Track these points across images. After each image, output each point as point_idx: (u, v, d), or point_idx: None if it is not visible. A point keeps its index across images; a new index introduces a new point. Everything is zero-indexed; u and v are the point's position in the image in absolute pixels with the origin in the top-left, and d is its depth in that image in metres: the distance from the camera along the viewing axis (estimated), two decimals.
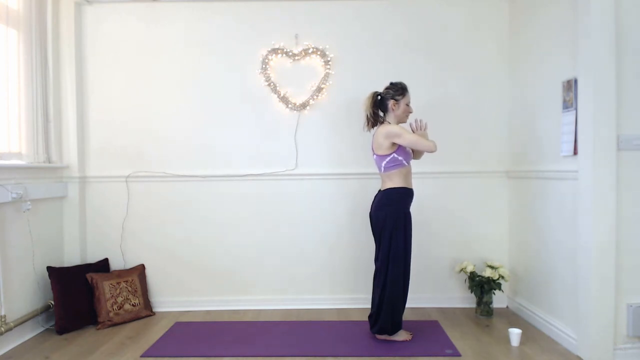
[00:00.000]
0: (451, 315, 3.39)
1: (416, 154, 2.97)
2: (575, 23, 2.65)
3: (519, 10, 3.42)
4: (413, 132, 2.90)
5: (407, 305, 2.90)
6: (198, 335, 3.04)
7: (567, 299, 2.81)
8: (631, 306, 2.55)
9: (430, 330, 3.06)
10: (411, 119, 2.98)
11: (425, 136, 2.88)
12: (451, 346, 2.80)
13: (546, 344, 2.84)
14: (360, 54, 3.56)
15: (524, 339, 2.87)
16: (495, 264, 3.37)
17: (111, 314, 3.24)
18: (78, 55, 3.51)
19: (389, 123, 2.85)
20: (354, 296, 3.59)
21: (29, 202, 2.99)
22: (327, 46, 3.55)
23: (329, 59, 3.54)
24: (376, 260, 2.90)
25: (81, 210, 3.53)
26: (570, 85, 2.72)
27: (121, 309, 3.30)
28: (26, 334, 3.03)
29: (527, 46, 3.28)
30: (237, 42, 3.57)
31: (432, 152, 2.76)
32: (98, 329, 3.16)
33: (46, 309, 3.20)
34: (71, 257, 3.49)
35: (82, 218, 3.55)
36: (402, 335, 2.88)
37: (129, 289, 3.38)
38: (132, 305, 3.36)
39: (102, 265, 3.48)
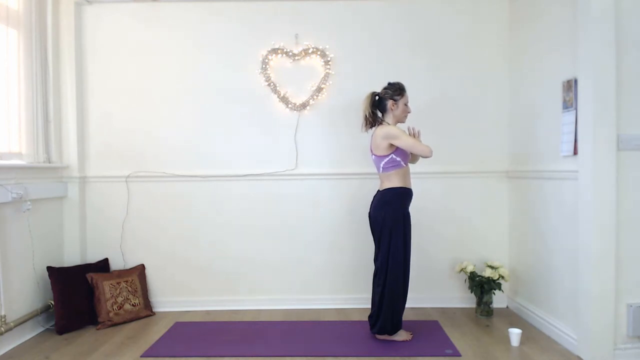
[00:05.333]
0: (451, 315, 3.39)
1: (412, 157, 2.97)
2: (575, 23, 2.65)
3: (519, 10, 3.42)
4: None
5: (407, 305, 2.90)
6: (198, 335, 3.04)
7: (567, 299, 2.81)
8: (631, 306, 2.55)
9: (430, 330, 3.06)
10: (409, 121, 2.98)
11: None
12: (451, 346, 2.80)
13: (546, 344, 2.84)
14: (360, 54, 3.56)
15: (524, 339, 2.87)
16: (495, 264, 3.37)
17: (111, 314, 3.24)
18: (78, 55, 3.51)
19: (388, 124, 2.85)
20: (353, 296, 3.59)
21: (29, 202, 2.99)
22: (327, 46, 3.55)
23: (329, 59, 3.54)
24: (375, 260, 2.90)
25: (81, 210, 3.53)
26: (570, 85, 2.72)
27: (121, 309, 3.30)
28: (26, 334, 3.03)
29: (527, 46, 3.28)
30: (237, 42, 3.57)
31: (427, 157, 2.76)
32: (98, 329, 3.16)
33: (46, 309, 3.20)
34: (71, 257, 3.49)
35: (82, 218, 3.55)
36: (402, 335, 2.88)
37: (129, 289, 3.38)
38: (132, 305, 3.36)
39: (102, 265, 3.48)
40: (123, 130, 3.58)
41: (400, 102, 2.85)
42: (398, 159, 2.79)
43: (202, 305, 3.59)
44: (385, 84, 2.91)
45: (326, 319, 3.35)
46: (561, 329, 2.85)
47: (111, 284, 3.31)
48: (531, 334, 3.00)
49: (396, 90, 2.85)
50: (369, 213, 2.93)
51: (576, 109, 2.67)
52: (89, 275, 3.29)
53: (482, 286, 3.31)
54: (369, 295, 2.99)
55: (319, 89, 3.55)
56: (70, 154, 3.50)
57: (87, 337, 3.04)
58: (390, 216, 2.76)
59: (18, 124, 3.10)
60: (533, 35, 3.20)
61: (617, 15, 2.50)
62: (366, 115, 2.86)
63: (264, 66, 3.55)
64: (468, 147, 3.57)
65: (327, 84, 3.55)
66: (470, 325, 3.18)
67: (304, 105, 3.56)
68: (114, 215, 3.58)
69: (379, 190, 2.90)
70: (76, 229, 3.50)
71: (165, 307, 3.57)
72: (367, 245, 3.37)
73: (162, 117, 3.58)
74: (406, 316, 3.02)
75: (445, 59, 3.56)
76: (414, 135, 2.90)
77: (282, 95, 3.56)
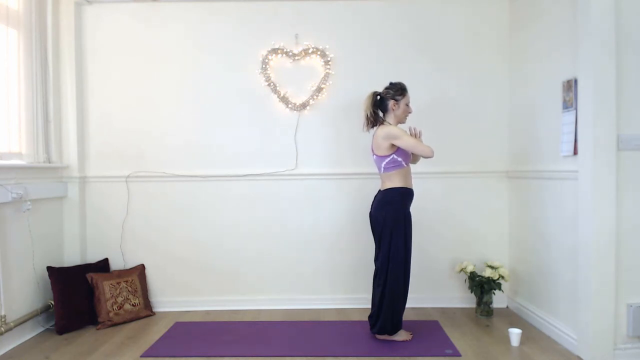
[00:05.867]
0: (451, 315, 3.39)
1: (413, 158, 2.97)
2: (575, 23, 2.65)
3: (519, 10, 3.42)
4: None
5: (407, 305, 2.90)
6: (198, 335, 3.04)
7: (567, 299, 2.81)
8: (631, 306, 2.56)
9: (430, 330, 3.06)
10: (410, 121, 2.98)
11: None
12: (451, 346, 2.80)
13: (546, 344, 2.84)
14: (360, 54, 3.56)
15: (524, 339, 2.87)
16: (495, 264, 3.37)
17: (111, 314, 3.24)
18: (78, 55, 3.51)
19: (389, 124, 2.85)
20: (354, 296, 3.59)
21: (29, 202, 2.99)
22: (327, 46, 3.55)
23: (329, 59, 3.54)
24: (376, 260, 2.90)
25: (81, 210, 3.53)
26: (570, 85, 2.72)
27: (121, 309, 3.30)
28: (26, 334, 3.03)
29: (527, 46, 3.28)
30: (237, 42, 3.57)
31: (429, 157, 2.75)
32: (98, 329, 3.16)
33: (46, 309, 3.20)
34: (71, 257, 3.49)
35: (82, 218, 3.55)
36: (402, 335, 2.88)
37: (129, 289, 3.38)
38: (132, 305, 3.36)
39: (102, 265, 3.48)
40: (123, 130, 3.58)
41: (402, 102, 2.85)
42: (399, 159, 2.79)
43: (202, 305, 3.59)
44: (386, 84, 2.91)
45: (326, 319, 3.35)
46: (561, 329, 2.85)
47: (111, 284, 3.31)
48: (531, 334, 3.00)
49: (398, 90, 2.85)
50: (370, 213, 2.93)
51: (576, 109, 2.67)
52: (89, 275, 3.29)
53: (482, 286, 3.31)
54: (369, 295, 2.99)
55: (319, 89, 3.55)
56: (70, 154, 3.50)
57: (87, 337, 3.04)
58: (391, 216, 2.76)
59: (18, 124, 3.10)
60: (533, 35, 3.20)
61: (617, 15, 2.50)
62: (367, 115, 2.85)
63: (264, 66, 3.55)
64: (468, 147, 3.57)
65: (327, 84, 3.55)
66: (470, 325, 3.18)
67: (304, 105, 3.56)
68: (114, 215, 3.58)
69: (380, 190, 2.90)
70: (76, 229, 3.50)
71: (165, 307, 3.57)
72: (367, 245, 3.37)
73: (162, 117, 3.58)
74: (406, 316, 3.02)
75: (446, 59, 3.56)
76: (415, 135, 2.89)
77: (282, 95, 3.56)
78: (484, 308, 3.35)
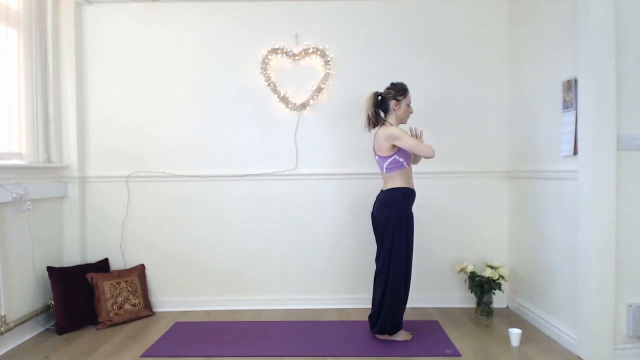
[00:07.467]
0: (451, 315, 3.39)
1: (414, 158, 2.96)
2: (575, 23, 2.65)
3: (519, 10, 3.42)
4: None
5: (407, 305, 2.90)
6: (198, 335, 3.04)
7: (567, 299, 2.81)
8: (631, 306, 2.56)
9: (430, 330, 3.06)
10: (410, 121, 2.98)
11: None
12: (451, 346, 2.80)
13: (546, 344, 2.84)
14: (360, 54, 3.56)
15: (524, 339, 2.87)
16: (495, 264, 3.37)
17: (111, 314, 3.24)
18: (78, 55, 3.51)
19: (390, 124, 2.85)
20: (354, 296, 3.59)
21: (29, 202, 2.99)
22: (327, 46, 3.55)
23: (329, 59, 3.54)
24: (377, 260, 2.90)
25: (81, 210, 3.53)
26: (570, 85, 2.72)
27: (121, 309, 3.30)
28: (26, 334, 3.03)
29: (527, 46, 3.28)
30: (237, 42, 3.57)
31: (430, 157, 2.74)
32: (98, 329, 3.16)
33: (46, 309, 3.20)
34: (71, 257, 3.48)
35: (82, 218, 3.55)
36: (402, 335, 2.88)
37: (129, 289, 3.38)
38: (132, 305, 3.36)
39: (102, 265, 3.48)
40: (123, 130, 3.58)
41: (403, 103, 2.85)
42: (401, 159, 2.79)
43: (202, 305, 3.59)
44: (387, 84, 2.91)
45: (326, 319, 3.35)
46: (561, 329, 2.85)
47: (111, 284, 3.31)
48: (531, 334, 3.00)
49: (399, 90, 2.85)
50: (372, 213, 2.92)
51: (576, 109, 2.67)
52: (89, 275, 3.29)
53: (482, 286, 3.31)
54: (369, 295, 2.99)
55: (319, 89, 3.55)
56: (70, 154, 3.50)
57: (87, 337, 3.04)
58: (393, 216, 2.76)
59: (18, 124, 3.10)
60: (533, 35, 3.20)
61: (617, 15, 2.50)
62: (369, 115, 2.85)
63: (264, 66, 3.55)
64: (468, 147, 3.57)
65: (327, 84, 3.55)
66: (470, 325, 3.18)
67: (304, 105, 3.56)
68: (114, 215, 3.58)
69: (382, 190, 2.90)
70: (76, 229, 3.50)
71: (165, 307, 3.57)
72: (367, 245, 3.37)
73: (162, 117, 3.58)
74: (406, 316, 3.02)
75: (446, 59, 3.56)
76: (416, 135, 2.89)
77: (282, 95, 3.56)
78: (484, 308, 3.35)
